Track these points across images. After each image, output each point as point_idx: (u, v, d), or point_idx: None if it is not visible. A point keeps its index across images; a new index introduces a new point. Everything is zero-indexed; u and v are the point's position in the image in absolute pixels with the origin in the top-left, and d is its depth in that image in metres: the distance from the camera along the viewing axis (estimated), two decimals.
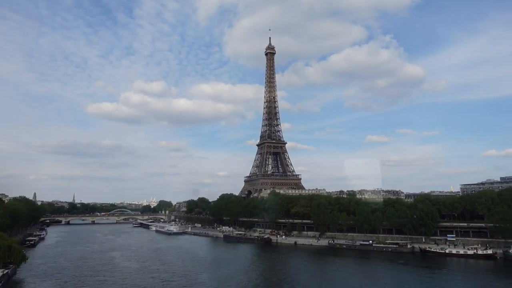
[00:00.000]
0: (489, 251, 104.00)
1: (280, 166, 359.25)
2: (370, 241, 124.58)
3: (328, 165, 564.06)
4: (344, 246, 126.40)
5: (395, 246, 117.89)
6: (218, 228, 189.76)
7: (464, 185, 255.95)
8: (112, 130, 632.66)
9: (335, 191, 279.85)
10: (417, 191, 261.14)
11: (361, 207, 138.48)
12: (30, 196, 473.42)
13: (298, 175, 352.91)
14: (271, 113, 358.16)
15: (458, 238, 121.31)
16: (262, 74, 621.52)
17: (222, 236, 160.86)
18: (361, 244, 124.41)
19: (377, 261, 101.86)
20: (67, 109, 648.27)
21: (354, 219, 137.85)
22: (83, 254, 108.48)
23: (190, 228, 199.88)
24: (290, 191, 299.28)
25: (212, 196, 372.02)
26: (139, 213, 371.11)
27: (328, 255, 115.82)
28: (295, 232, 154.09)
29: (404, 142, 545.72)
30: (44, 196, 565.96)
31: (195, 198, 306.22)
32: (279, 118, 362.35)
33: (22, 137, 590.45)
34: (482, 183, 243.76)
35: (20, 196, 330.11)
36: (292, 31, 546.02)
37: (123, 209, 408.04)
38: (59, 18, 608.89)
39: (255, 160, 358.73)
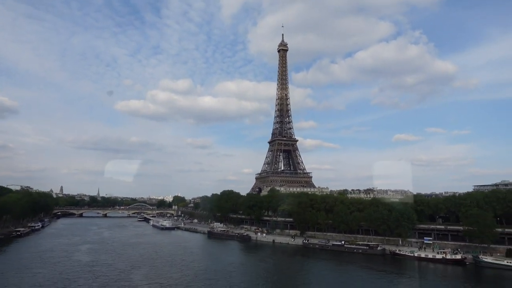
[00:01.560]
0: (458, 256, 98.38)
1: (291, 164, 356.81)
2: (342, 242, 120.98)
3: (355, 164, 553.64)
4: (317, 246, 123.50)
5: (365, 247, 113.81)
6: (211, 224, 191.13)
7: (478, 185, 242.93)
8: (140, 127, 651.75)
9: (347, 190, 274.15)
10: (429, 192, 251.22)
11: (339, 207, 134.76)
12: (57, 189, 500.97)
13: (309, 173, 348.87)
14: (282, 111, 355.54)
15: (435, 241, 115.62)
16: (288, 72, 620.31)
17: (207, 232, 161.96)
18: (333, 244, 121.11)
19: (343, 263, 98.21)
20: (97, 106, 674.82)
21: (332, 219, 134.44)
22: (52, 247, 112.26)
23: (183, 223, 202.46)
24: (299, 189, 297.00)
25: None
26: (156, 207, 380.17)
27: (298, 254, 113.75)
28: (278, 230, 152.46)
29: (433, 142, 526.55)
30: (73, 189, 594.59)
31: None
32: (290, 116, 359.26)
33: (55, 133, 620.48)
34: (496, 184, 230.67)
35: (37, 191, 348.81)
36: (317, 28, 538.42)
37: (142, 204, 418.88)
38: (90, 18, 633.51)
39: (266, 157, 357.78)
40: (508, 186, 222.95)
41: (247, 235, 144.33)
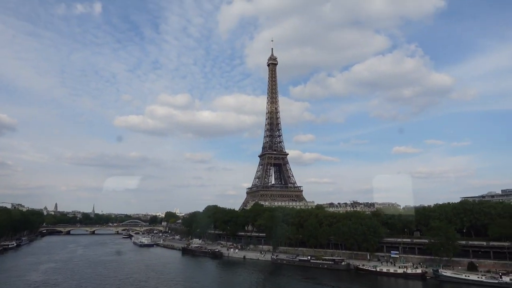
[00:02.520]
0: (418, 270, 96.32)
1: (282, 177, 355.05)
2: (309, 257, 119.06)
3: (354, 177, 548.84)
4: (285, 262, 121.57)
5: (330, 263, 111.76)
6: (190, 240, 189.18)
7: (464, 197, 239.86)
8: (139, 142, 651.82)
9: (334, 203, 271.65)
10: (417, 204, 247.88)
11: (309, 221, 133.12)
12: (51, 207, 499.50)
13: (300, 186, 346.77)
14: (272, 124, 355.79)
15: (402, 255, 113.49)
16: (285, 86, 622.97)
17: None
18: (300, 260, 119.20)
19: (303, 280, 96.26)
20: (97, 122, 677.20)
21: (302, 233, 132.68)
22: (12, 266, 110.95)
23: (162, 240, 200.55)
24: (289, 203, 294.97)
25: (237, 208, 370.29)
26: (148, 224, 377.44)
27: (263, 271, 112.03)
28: (252, 246, 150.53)
29: (433, 154, 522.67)
30: (71, 206, 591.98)
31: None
32: (280, 129, 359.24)
33: (54, 149, 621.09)
34: (483, 196, 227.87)
35: (27, 208, 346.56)
36: (313, 41, 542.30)
37: (135, 220, 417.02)
38: (90, 34, 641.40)
39: (257, 171, 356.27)
40: (495, 197, 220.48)
41: (218, 251, 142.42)
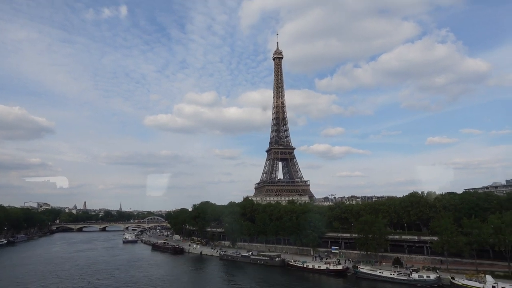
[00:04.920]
0: (339, 267, 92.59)
1: (288, 172, 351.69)
2: (250, 253, 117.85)
3: (386, 170, 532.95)
4: (230, 258, 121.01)
5: (267, 258, 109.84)
6: (172, 236, 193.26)
7: (468, 189, 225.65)
8: (169, 140, 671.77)
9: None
10: None
11: (260, 215, 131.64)
12: (80, 205, 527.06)
13: (306, 181, 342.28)
14: (278, 119, 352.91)
15: (342, 250, 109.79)
16: (310, 79, 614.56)
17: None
18: (242, 256, 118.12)
19: (236, 275, 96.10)
20: (129, 122, 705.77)
21: (254, 229, 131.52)
22: None
23: (146, 236, 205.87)
24: (293, 198, 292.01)
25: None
26: (165, 220, 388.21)
27: (204, 266, 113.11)
28: (217, 242, 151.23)
29: (470, 143, 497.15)
30: (106, 204, 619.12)
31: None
32: (287, 124, 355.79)
33: (90, 150, 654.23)
34: (487, 187, 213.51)
35: (51, 207, 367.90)
36: (338, 32, 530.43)
37: (156, 217, 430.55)
38: (119, 38, 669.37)
39: (264, 166, 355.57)
40: (499, 188, 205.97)
41: (179, 247, 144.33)
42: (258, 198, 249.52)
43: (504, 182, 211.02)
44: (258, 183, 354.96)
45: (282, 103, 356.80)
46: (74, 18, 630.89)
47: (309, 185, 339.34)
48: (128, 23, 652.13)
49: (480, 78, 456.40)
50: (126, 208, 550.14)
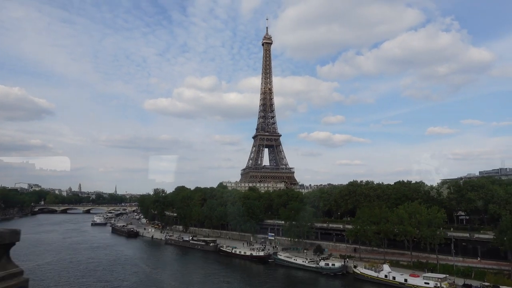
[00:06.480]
0: (261, 253, 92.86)
1: (274, 159, 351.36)
2: (190, 238, 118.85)
3: (386, 159, 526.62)
4: (173, 242, 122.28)
5: (203, 243, 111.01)
6: (139, 221, 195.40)
7: (444, 179, 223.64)
8: (169, 124, 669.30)
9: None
10: None
11: (209, 201, 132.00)
12: (75, 187, 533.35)
13: (291, 168, 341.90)
14: (266, 105, 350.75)
15: (277, 237, 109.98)
16: (312, 66, 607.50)
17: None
18: (183, 240, 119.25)
19: (171, 257, 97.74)
20: (129, 105, 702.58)
21: (202, 214, 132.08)
22: None
23: (114, 219, 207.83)
24: (278, 185, 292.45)
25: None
26: None
27: (146, 248, 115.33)
28: (174, 226, 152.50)
29: (471, 134, 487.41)
30: (101, 187, 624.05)
31: None
32: (274, 110, 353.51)
33: (90, 132, 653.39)
34: (461, 178, 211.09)
35: (43, 189, 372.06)
36: (341, 18, 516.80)
37: None
38: (120, 19, 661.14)
39: (250, 152, 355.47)
40: (472, 179, 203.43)
41: (133, 230, 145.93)
42: (241, 184, 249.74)
43: (477, 174, 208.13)
44: (243, 169, 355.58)
45: (270, 89, 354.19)
46: None
47: (293, 172, 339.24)
48: (129, 4, 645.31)
49: (483, 68, 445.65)
50: (122, 192, 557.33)
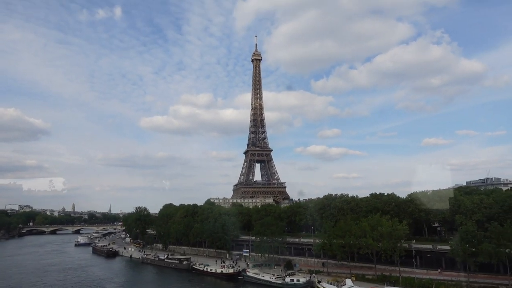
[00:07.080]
0: (231, 270, 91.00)
1: (266, 174, 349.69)
2: (165, 256, 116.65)
3: (383, 171, 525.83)
4: (149, 261, 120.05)
5: (176, 262, 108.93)
6: (124, 240, 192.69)
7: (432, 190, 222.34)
8: (165, 142, 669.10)
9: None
10: None
11: (187, 219, 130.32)
12: (69, 208, 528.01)
13: (283, 183, 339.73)
14: (256, 120, 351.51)
15: (252, 253, 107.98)
16: (306, 80, 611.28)
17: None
18: (158, 259, 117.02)
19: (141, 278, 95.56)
20: (125, 124, 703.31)
21: (179, 231, 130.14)
22: None
23: (98, 240, 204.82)
24: (268, 201, 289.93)
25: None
26: None
27: (124, 269, 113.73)
28: (154, 245, 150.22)
29: (466, 145, 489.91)
30: (96, 207, 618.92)
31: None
32: (265, 126, 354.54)
33: (87, 152, 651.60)
34: (448, 189, 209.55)
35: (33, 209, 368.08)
36: (334, 33, 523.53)
37: None
38: (116, 39, 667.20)
39: (242, 168, 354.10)
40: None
41: (111, 250, 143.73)
42: (229, 200, 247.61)
43: (464, 184, 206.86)
44: (235, 185, 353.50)
45: (260, 104, 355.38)
46: (70, 19, 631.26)
47: (285, 187, 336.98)
48: (124, 25, 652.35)
49: (475, 79, 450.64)
50: (116, 210, 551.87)
